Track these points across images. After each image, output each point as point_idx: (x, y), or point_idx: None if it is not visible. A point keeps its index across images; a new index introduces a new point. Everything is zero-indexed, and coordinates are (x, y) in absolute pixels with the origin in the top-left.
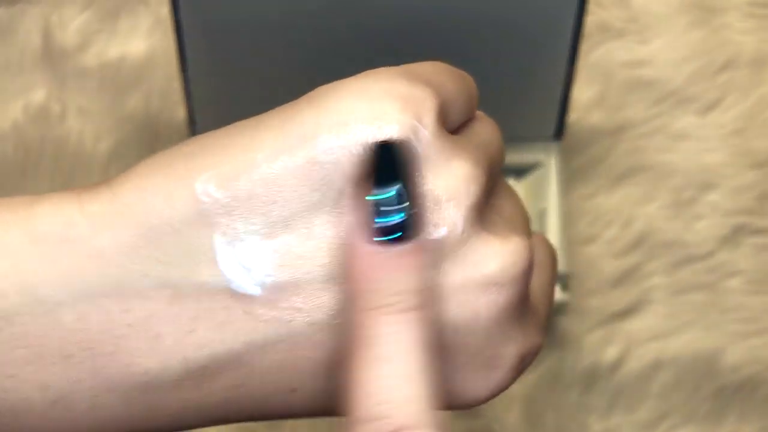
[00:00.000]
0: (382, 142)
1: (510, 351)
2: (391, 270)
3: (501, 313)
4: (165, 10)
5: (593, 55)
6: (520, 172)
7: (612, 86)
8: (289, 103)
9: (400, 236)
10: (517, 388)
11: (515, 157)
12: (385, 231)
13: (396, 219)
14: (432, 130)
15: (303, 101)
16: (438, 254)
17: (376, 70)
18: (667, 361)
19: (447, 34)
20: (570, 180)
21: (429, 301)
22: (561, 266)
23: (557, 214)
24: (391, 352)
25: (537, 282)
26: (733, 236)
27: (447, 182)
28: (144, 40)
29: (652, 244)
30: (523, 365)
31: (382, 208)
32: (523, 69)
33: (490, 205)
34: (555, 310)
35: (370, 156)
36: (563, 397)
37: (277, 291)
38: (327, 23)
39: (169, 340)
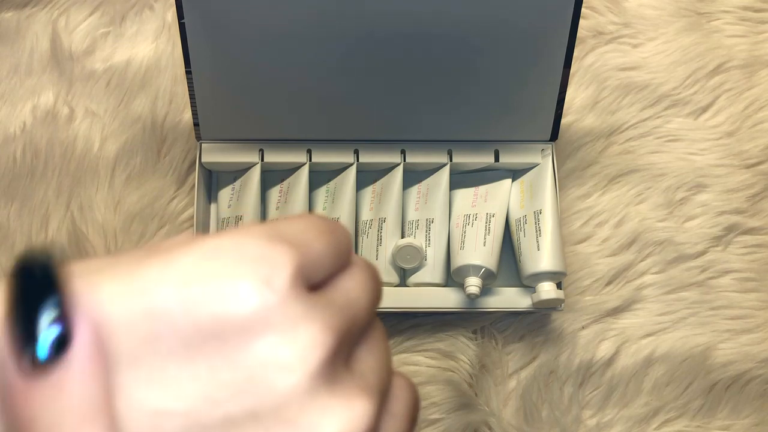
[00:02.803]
0: (20, 267)
1: None
2: (49, 399)
3: None
4: (170, 15)
5: (588, 59)
6: (517, 173)
7: (606, 89)
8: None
9: (52, 363)
10: (512, 384)
11: (511, 158)
12: (38, 361)
13: (45, 346)
14: (283, 293)
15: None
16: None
17: (240, 230)
18: (659, 358)
19: (447, 43)
20: (565, 181)
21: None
22: (557, 265)
23: (552, 214)
24: None
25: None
26: (725, 236)
27: (291, 348)
28: (150, 44)
29: (645, 243)
30: None
31: (30, 337)
32: (519, 74)
33: (344, 361)
34: (550, 308)
35: (13, 285)
36: (558, 392)
37: None
38: (328, 28)
39: None
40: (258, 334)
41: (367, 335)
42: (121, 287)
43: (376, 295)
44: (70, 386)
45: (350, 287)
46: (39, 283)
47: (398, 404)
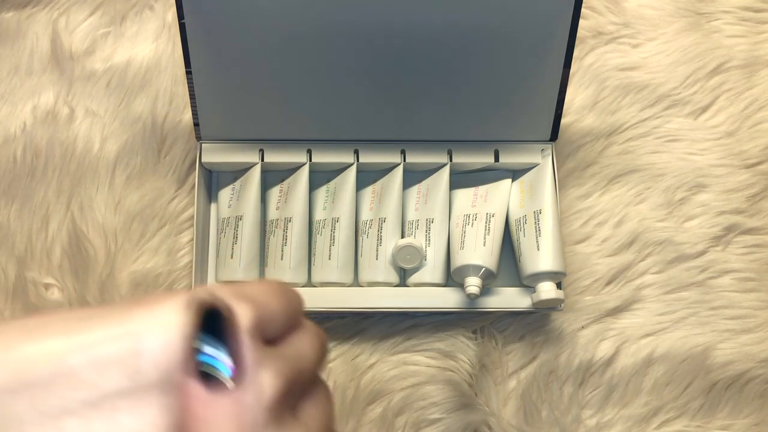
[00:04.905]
0: (206, 308)
1: None
2: (225, 411)
3: None
4: (170, 15)
5: (587, 59)
6: (516, 173)
7: (606, 89)
8: (128, 300)
9: (221, 381)
10: (512, 384)
11: (511, 158)
12: (211, 379)
13: (219, 368)
14: (243, 343)
15: (136, 302)
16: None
17: (209, 286)
18: (659, 357)
19: (447, 43)
20: (565, 181)
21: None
22: (557, 265)
23: (552, 214)
24: None
25: None
26: (724, 236)
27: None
28: (150, 44)
29: (645, 243)
30: None
31: (207, 365)
32: (519, 74)
33: (291, 409)
34: (550, 308)
35: (197, 321)
36: (558, 391)
37: None
38: (329, 29)
39: None
40: None
41: (313, 391)
42: (109, 333)
43: (322, 355)
44: (244, 402)
45: (299, 345)
46: (221, 323)
47: None
